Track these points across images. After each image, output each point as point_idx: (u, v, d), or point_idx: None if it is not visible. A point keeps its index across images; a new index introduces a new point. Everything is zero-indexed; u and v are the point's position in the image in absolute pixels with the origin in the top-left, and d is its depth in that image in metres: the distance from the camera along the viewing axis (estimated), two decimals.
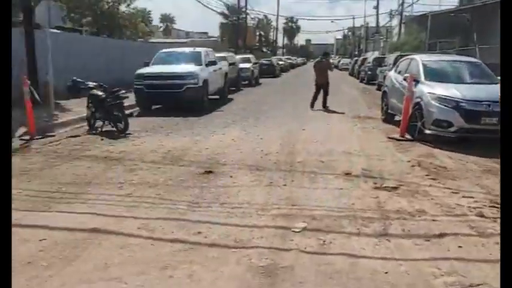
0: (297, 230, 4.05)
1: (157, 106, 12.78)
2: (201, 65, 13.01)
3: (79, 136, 8.60)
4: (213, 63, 14.03)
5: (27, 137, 8.36)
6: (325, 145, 7.48)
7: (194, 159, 6.59)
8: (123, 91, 8.98)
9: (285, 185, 5.36)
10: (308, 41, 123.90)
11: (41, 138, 8.33)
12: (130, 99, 11.90)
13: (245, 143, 7.83)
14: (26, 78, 9.09)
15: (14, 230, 4.04)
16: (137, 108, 12.45)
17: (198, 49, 14.57)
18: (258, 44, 67.60)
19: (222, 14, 52.87)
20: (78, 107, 11.10)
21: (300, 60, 73.21)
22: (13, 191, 5.19)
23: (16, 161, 5.56)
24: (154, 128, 9.58)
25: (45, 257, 3.51)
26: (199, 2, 48.58)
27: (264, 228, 4.08)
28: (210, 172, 5.86)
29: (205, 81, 12.65)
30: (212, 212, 4.49)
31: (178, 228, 4.09)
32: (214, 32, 66.60)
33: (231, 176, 5.70)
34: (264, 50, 67.75)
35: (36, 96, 9.62)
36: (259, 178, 5.63)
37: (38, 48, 11.62)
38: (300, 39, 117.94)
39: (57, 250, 3.64)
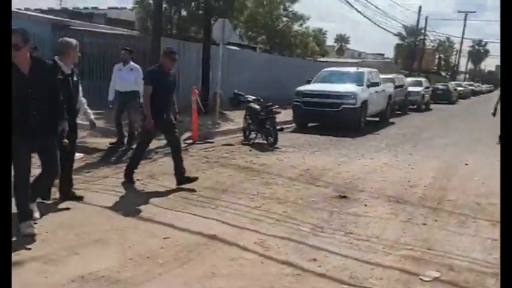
0: (427, 279, 3.49)
1: (313, 124, 12.81)
2: (362, 85, 12.64)
3: (232, 145, 9.11)
4: (376, 84, 13.51)
5: (190, 141, 9.18)
6: (488, 185, 6.41)
7: (331, 181, 6.33)
8: (276, 106, 9.22)
9: (424, 224, 4.72)
10: (498, 66, 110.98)
11: (201, 143, 9.07)
12: (286, 115, 12.24)
13: (392, 170, 7.23)
14: (195, 89, 10.05)
15: (146, 224, 4.41)
16: (293, 125, 12.68)
17: (361, 69, 14.24)
18: (436, 68, 63.19)
19: (398, 35, 50.99)
20: (240, 118, 11.81)
21: (485, 87, 65.92)
22: (158, 189, 5.71)
23: (170, 161, 6.12)
24: (303, 144, 9.59)
25: (163, 255, 3.70)
26: (374, 23, 47.89)
27: (387, 269, 3.62)
28: (344, 197, 5.53)
29: (364, 102, 12.23)
30: (334, 240, 4.19)
31: (294, 251, 3.91)
32: (390, 53, 64.57)
33: (366, 205, 5.28)
34: (443, 74, 62.96)
35: (200, 106, 10.54)
36: (397, 212, 5.08)
37: (214, 62, 12.79)
38: (488, 65, 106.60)
39: (175, 250, 3.81)
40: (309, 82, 13.52)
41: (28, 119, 3.90)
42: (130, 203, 5.01)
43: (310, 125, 12.73)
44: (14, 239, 3.71)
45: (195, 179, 5.79)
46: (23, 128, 3.85)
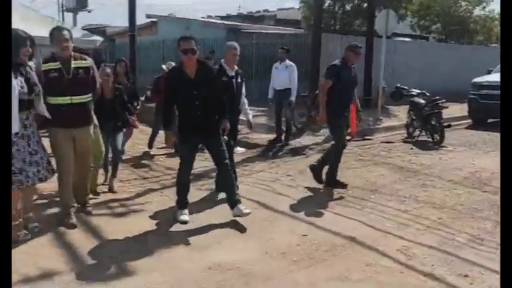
0: None
1: (494, 120, 11.23)
2: None
3: (392, 142, 8.60)
4: None
5: (348, 137, 8.99)
6: None
7: None
8: (443, 100, 8.35)
9: None
10: None
11: (359, 140, 8.79)
12: (461, 110, 11.03)
13: None
14: None
15: (288, 219, 4.47)
16: (468, 121, 11.34)
17: None
18: None
19: None
20: (405, 114, 11.09)
21: None
22: (306, 185, 5.71)
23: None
24: (475, 143, 8.49)
25: (298, 252, 3.70)
26: None
27: None
28: None
29: None
30: (496, 256, 3.60)
31: (442, 263, 3.50)
32: None
33: None
34: None
35: (357, 104, 10.18)
36: None
37: (377, 55, 12.25)
38: None
39: (310, 248, 3.77)
40: (489, 72, 11.90)
41: (192, 119, 4.20)
42: (278, 198, 5.15)
43: (490, 121, 11.20)
44: (171, 226, 4.18)
45: (344, 185, 5.55)
46: (187, 127, 4.24)
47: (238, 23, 17.06)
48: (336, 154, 5.57)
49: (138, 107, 7.22)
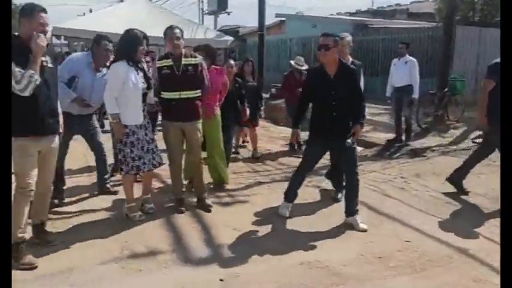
0: None
1: None
2: None
3: None
4: None
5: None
6: None
7: None
8: None
9: None
10: None
11: None
12: None
13: None
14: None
15: (393, 223, 4.22)
16: None
17: None
18: None
19: None
20: None
21: None
22: (420, 188, 5.31)
23: (445, 161, 5.56)
24: None
25: (396, 258, 3.48)
26: None
27: None
28: None
29: None
30: None
31: None
32: None
33: None
34: None
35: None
36: None
37: None
38: None
39: (411, 256, 3.52)
40: None
41: (326, 119, 4.02)
42: (385, 200, 4.90)
43: None
44: (271, 220, 4.26)
45: (465, 192, 5.04)
46: (319, 127, 4.11)
47: (366, 19, 16.53)
48: (479, 158, 5.09)
49: (261, 107, 7.50)
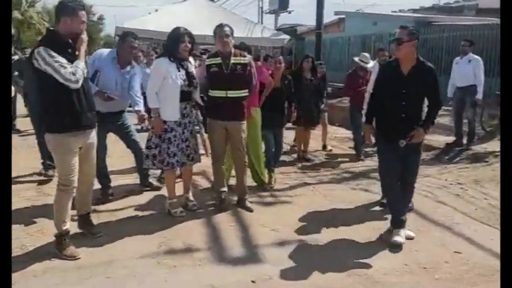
0: None
1: None
2: None
3: None
4: None
5: None
6: None
7: None
8: None
9: None
10: None
11: None
12: None
13: None
14: None
15: (443, 232, 3.96)
16: None
17: None
18: None
19: None
20: None
21: None
22: (477, 196, 4.97)
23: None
24: None
25: (443, 270, 3.24)
26: None
27: None
28: None
29: None
30: None
31: None
32: None
33: None
34: None
35: None
36: None
37: None
38: None
39: (460, 268, 3.27)
40: None
41: (393, 119, 3.68)
42: (437, 207, 4.62)
43: None
44: (311, 222, 4.14)
45: None
46: (385, 127, 3.75)
47: (430, 15, 15.72)
48: None
49: (322, 106, 7.26)
